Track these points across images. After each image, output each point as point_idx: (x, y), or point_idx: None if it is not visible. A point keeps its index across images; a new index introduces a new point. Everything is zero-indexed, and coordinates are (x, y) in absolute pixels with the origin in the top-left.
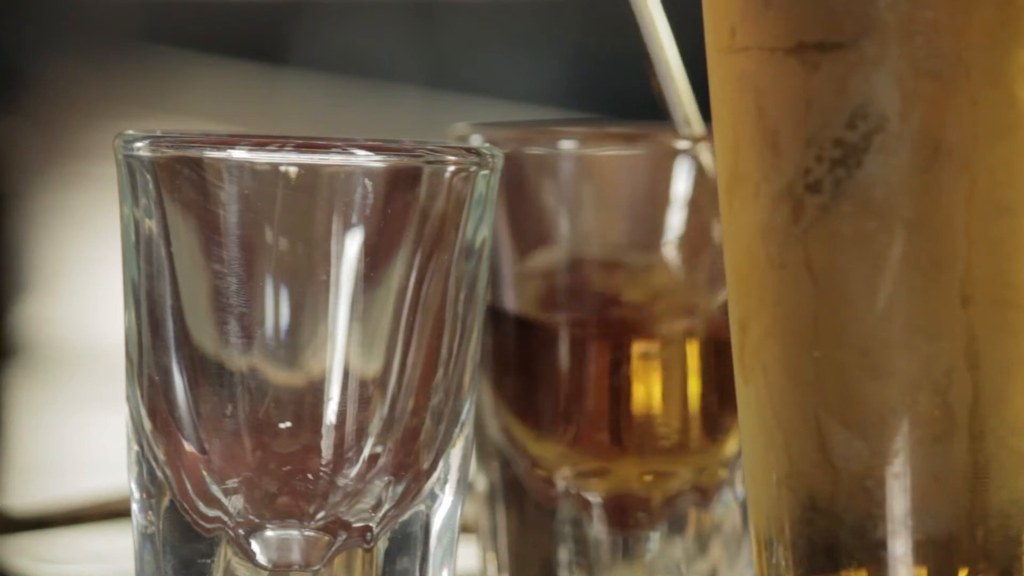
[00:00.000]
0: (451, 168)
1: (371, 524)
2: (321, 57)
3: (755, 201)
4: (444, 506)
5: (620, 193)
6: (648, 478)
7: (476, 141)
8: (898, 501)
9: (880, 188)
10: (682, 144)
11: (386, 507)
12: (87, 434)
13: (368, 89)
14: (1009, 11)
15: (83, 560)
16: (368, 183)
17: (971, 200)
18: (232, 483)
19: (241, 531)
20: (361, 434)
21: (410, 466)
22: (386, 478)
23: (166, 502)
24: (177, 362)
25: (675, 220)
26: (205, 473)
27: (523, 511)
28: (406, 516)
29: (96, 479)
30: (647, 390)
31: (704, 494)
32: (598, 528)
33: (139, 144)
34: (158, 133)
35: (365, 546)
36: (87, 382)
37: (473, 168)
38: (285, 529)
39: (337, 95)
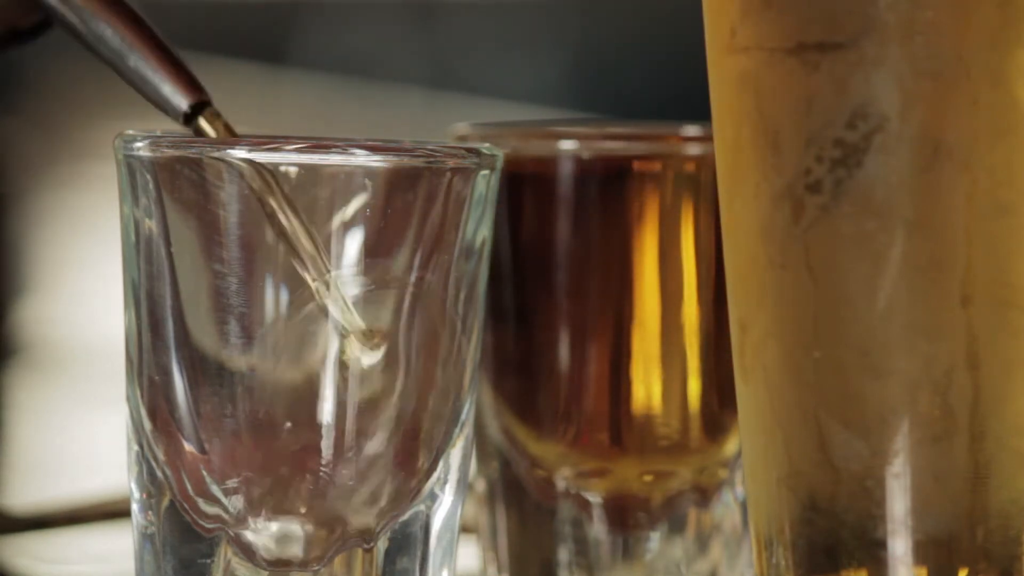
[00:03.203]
0: (451, 168)
1: (371, 524)
2: (321, 57)
3: (755, 201)
4: (444, 506)
5: None
6: (648, 478)
7: (476, 141)
8: (898, 501)
9: (880, 188)
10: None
11: (386, 507)
12: (87, 434)
13: (368, 89)
14: (1009, 11)
15: (83, 560)
16: (368, 183)
17: (971, 200)
18: (232, 483)
19: (241, 531)
20: (361, 434)
21: (410, 466)
22: (386, 478)
23: (166, 502)
24: (177, 362)
25: None
26: (205, 473)
27: (523, 511)
28: (406, 516)
29: (96, 479)
30: (647, 390)
31: (704, 494)
32: (598, 528)
33: (139, 144)
34: (158, 133)
35: (365, 546)
36: (87, 382)
37: (473, 168)
38: (285, 529)
39: (337, 95)
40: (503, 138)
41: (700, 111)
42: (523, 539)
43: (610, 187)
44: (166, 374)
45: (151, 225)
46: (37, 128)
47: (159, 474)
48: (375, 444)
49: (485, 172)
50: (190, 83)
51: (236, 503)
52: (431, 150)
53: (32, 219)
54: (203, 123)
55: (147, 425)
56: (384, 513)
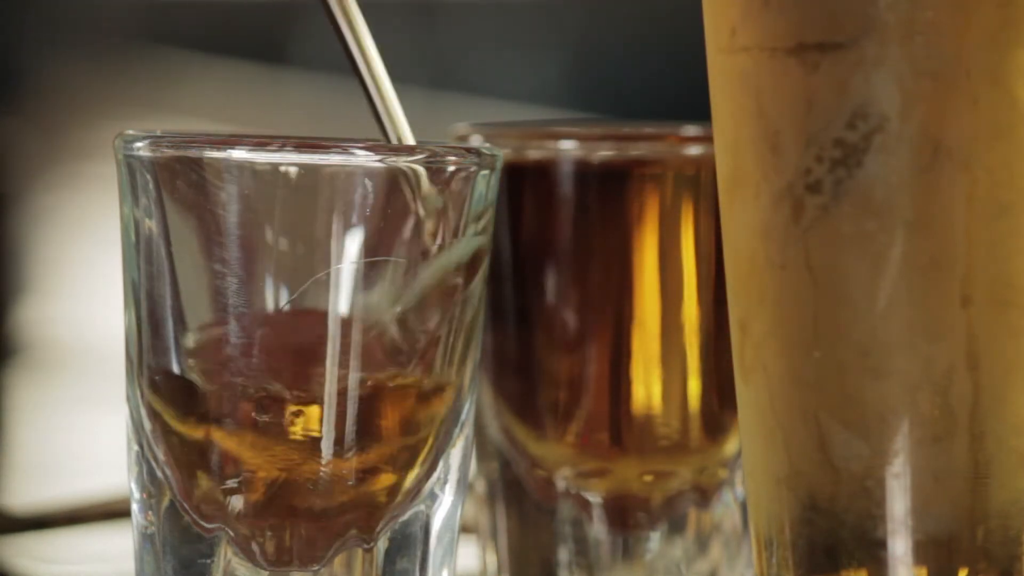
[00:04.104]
0: (451, 168)
1: (371, 524)
2: (321, 57)
3: (755, 201)
4: (444, 506)
5: None
6: (648, 478)
7: (476, 141)
8: (898, 501)
9: (880, 188)
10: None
11: (386, 507)
12: (87, 434)
13: None
14: (1009, 11)
15: (83, 560)
16: (368, 183)
17: (971, 200)
18: (232, 483)
19: (241, 531)
20: (361, 434)
21: (410, 466)
22: (386, 478)
23: (166, 502)
24: (177, 362)
25: None
26: (204, 472)
27: (523, 511)
28: (406, 516)
29: (96, 479)
30: (647, 390)
31: (704, 494)
32: (598, 528)
33: (139, 144)
34: (158, 133)
35: (365, 546)
36: (87, 382)
37: (473, 168)
38: (285, 529)
39: (337, 95)
40: (503, 138)
41: (700, 111)
42: (523, 539)
43: (610, 187)
44: (166, 374)
45: (151, 225)
46: (37, 128)
47: (159, 474)
48: (374, 444)
49: (485, 172)
50: None
51: (236, 503)
52: (431, 150)
53: (32, 219)
54: None
55: (147, 425)
56: (384, 513)
